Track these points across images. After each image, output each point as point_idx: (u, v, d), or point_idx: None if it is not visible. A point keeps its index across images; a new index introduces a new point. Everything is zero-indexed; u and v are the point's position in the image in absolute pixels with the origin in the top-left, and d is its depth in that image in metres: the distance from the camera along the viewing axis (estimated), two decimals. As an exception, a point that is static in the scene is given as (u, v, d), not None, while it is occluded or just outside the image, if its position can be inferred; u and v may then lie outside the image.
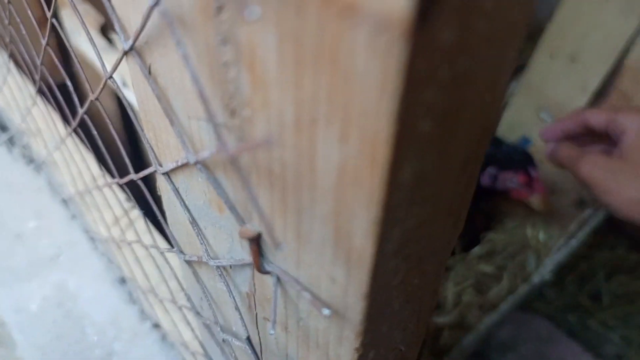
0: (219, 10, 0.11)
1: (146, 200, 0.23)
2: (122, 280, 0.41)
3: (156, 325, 0.38)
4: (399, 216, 0.11)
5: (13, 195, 0.53)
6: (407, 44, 0.08)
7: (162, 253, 0.27)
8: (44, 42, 0.28)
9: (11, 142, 0.60)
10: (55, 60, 0.30)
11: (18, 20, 0.33)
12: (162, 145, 0.20)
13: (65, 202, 0.52)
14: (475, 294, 0.59)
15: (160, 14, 0.13)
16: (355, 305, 0.13)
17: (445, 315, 0.57)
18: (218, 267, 0.19)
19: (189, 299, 0.26)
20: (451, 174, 0.13)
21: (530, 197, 0.60)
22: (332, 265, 0.13)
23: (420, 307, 0.16)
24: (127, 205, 0.43)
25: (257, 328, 0.19)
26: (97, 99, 0.23)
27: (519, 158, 0.60)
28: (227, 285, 0.19)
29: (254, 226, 0.15)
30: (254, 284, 0.17)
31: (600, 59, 0.62)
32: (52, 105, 0.42)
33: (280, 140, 0.13)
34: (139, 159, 0.76)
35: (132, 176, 0.24)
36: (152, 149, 0.21)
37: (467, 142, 0.12)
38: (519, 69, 0.71)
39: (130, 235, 0.41)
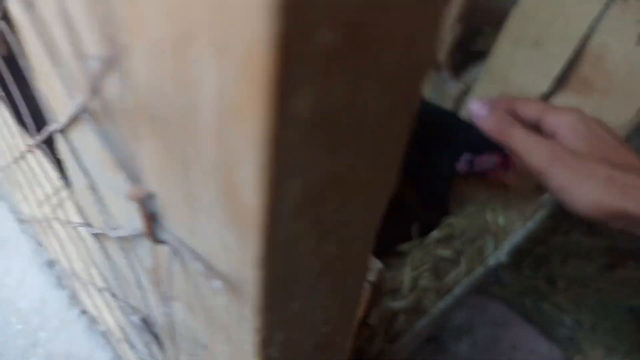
0: None
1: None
2: (51, 264, 0.38)
3: (84, 312, 0.35)
4: (298, 164, 0.09)
5: None
6: None
7: (75, 228, 0.24)
8: None
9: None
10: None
11: None
12: (56, 98, 0.17)
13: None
14: (433, 279, 0.58)
15: None
16: (250, 277, 0.11)
17: (401, 300, 0.56)
18: (119, 238, 0.16)
19: (104, 279, 0.23)
20: (375, 109, 0.10)
21: (507, 176, 0.61)
22: (224, 229, 0.11)
23: (343, 284, 0.14)
24: (58, 183, 0.39)
25: (166, 309, 0.17)
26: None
27: (492, 139, 0.60)
28: (129, 259, 0.16)
29: (144, 186, 0.13)
30: (155, 257, 0.15)
31: (563, 45, 0.62)
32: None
33: (159, 72, 0.10)
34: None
35: (35, 139, 0.20)
36: (47, 103, 0.18)
37: (395, 60, 0.10)
38: (483, 54, 0.70)
39: (59, 214, 0.38)
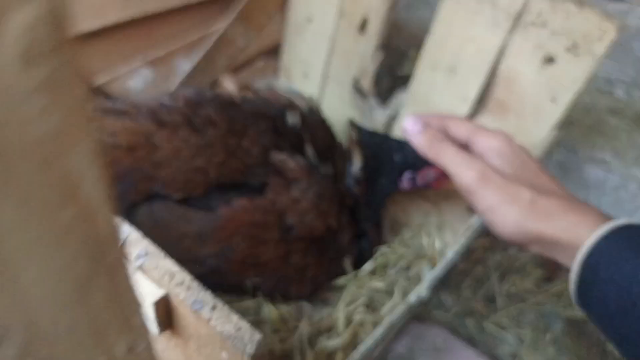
0: None
1: None
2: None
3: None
4: None
5: None
6: None
7: None
8: None
9: None
10: None
11: None
12: None
13: None
14: (368, 312, 0.58)
15: None
16: None
17: (336, 338, 0.55)
18: None
19: None
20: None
21: (449, 183, 0.62)
22: None
23: None
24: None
25: None
26: None
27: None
28: None
29: None
30: None
31: (476, 70, 0.63)
32: None
33: None
34: None
35: None
36: None
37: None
38: (406, 79, 0.71)
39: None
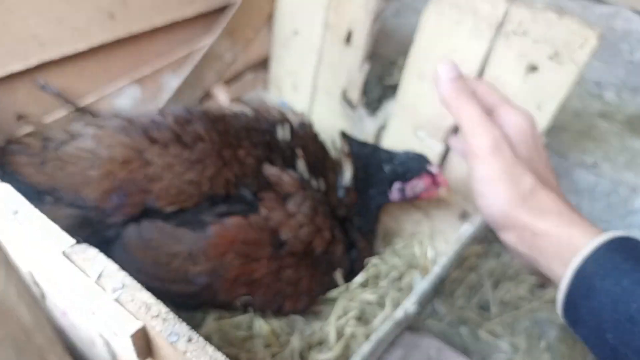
0: None
1: None
2: None
3: None
4: None
5: None
6: None
7: None
8: None
9: None
10: None
11: None
12: None
13: None
14: (360, 325, 0.58)
15: None
16: None
17: (327, 352, 0.55)
18: None
19: None
20: None
21: (439, 193, 0.62)
22: None
23: None
24: None
25: None
26: None
27: (415, 163, 0.62)
28: None
29: None
30: None
31: (461, 79, 0.64)
32: None
33: None
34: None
35: None
36: None
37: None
38: (395, 87, 0.72)
39: None
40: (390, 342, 0.61)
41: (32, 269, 0.36)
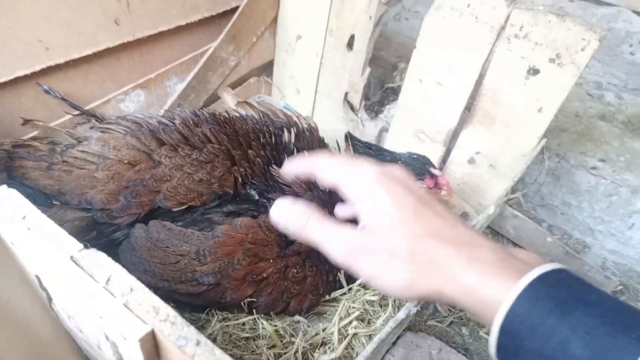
0: None
1: None
2: None
3: None
4: None
5: None
6: None
7: None
8: None
9: None
10: None
11: None
12: None
13: None
14: (362, 325, 0.58)
15: None
16: None
17: (331, 353, 0.56)
18: None
19: None
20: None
21: (442, 194, 0.63)
22: None
23: None
24: None
25: None
26: None
27: (418, 165, 0.63)
28: None
29: None
30: None
31: (463, 82, 0.64)
32: None
33: None
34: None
35: None
36: None
37: None
38: (397, 90, 0.72)
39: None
40: (392, 342, 0.62)
41: (40, 273, 0.37)
